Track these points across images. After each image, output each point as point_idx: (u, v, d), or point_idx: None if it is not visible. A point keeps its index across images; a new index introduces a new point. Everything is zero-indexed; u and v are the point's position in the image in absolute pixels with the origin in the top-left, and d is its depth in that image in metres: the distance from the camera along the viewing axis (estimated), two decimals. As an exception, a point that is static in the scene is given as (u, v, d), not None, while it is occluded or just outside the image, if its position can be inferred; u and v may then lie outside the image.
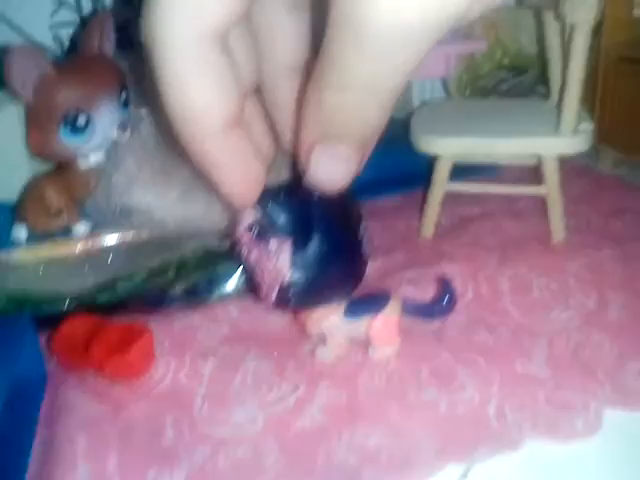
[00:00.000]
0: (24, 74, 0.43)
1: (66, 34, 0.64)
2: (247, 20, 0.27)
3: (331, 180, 0.29)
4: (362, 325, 0.40)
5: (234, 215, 0.35)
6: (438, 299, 0.43)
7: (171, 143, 0.45)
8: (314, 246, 0.33)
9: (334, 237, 0.34)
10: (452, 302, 0.43)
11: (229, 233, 0.42)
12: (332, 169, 0.28)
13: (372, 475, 0.34)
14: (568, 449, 0.35)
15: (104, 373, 0.40)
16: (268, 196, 0.32)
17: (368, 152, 0.28)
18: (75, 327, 0.42)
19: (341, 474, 0.34)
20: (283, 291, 0.34)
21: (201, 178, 0.44)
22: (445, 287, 0.43)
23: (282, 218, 0.32)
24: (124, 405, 0.39)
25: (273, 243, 0.32)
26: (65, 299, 0.44)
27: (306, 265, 0.33)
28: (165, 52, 0.24)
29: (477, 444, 0.35)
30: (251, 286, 0.36)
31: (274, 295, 0.34)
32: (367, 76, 0.23)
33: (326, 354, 0.40)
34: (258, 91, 0.31)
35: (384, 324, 0.40)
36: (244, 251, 0.34)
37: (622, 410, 0.37)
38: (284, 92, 0.32)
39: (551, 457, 0.35)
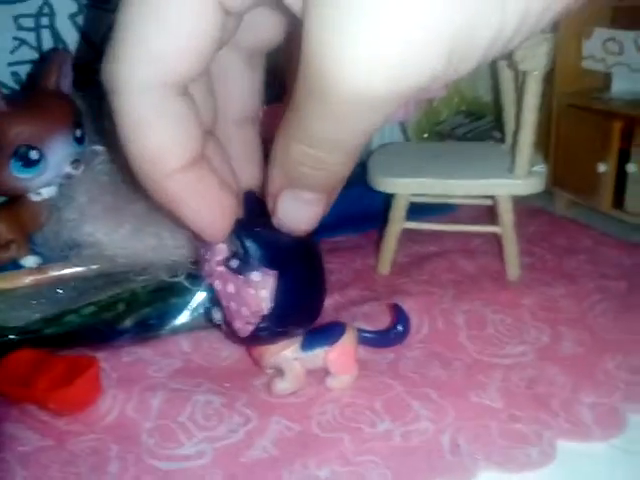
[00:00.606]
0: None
1: (25, 72, 0.64)
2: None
3: (298, 223, 0.31)
4: (319, 356, 0.39)
5: (200, 247, 0.35)
6: (392, 326, 0.43)
7: (128, 181, 0.45)
8: (288, 280, 0.33)
9: (302, 271, 0.35)
10: (407, 327, 0.43)
11: (192, 266, 0.42)
12: (299, 213, 0.30)
13: (322, 507, 0.33)
14: (522, 478, 0.35)
15: (48, 407, 0.39)
16: (241, 229, 0.32)
17: (333, 197, 0.29)
18: (19, 360, 0.41)
19: (290, 506, 0.33)
20: (260, 324, 0.34)
21: (152, 213, 0.44)
22: (398, 313, 0.43)
23: (257, 252, 0.33)
24: (68, 438, 0.37)
25: (256, 276, 0.32)
26: (11, 331, 0.42)
27: (280, 299, 0.33)
28: (125, 97, 0.25)
29: (431, 475, 0.35)
30: (222, 319, 0.36)
31: (250, 328, 0.34)
32: (330, 135, 0.24)
33: (285, 386, 0.40)
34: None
35: (341, 353, 0.40)
36: (217, 284, 0.34)
37: (575, 441, 0.37)
38: (235, 140, 0.33)
39: (504, 487, 0.34)
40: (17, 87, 0.63)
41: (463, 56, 0.21)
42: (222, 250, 0.33)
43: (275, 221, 0.31)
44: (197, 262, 0.38)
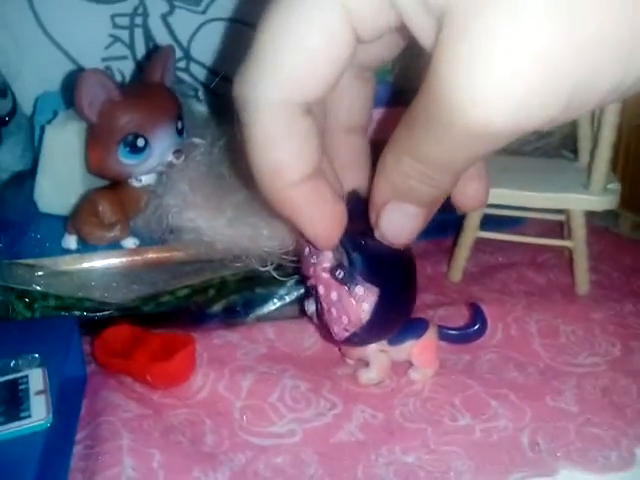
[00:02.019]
0: (92, 95, 0.46)
1: (117, 67, 0.67)
2: None
3: (399, 236, 0.32)
4: (405, 349, 0.41)
5: (307, 249, 0.37)
6: (471, 323, 0.45)
7: (228, 173, 0.47)
8: (388, 296, 0.35)
9: (401, 287, 0.37)
10: (485, 324, 0.45)
11: (283, 257, 0.45)
12: (401, 226, 0.31)
13: (411, 489, 0.34)
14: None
15: (145, 379, 0.41)
16: (348, 240, 0.34)
17: (434, 211, 0.31)
18: (118, 334, 0.43)
19: (381, 486, 0.35)
20: (356, 332, 0.36)
21: (250, 205, 0.47)
22: (476, 311, 0.45)
23: (362, 266, 0.35)
24: (164, 409, 0.40)
25: (359, 290, 0.35)
26: (110, 306, 0.45)
27: (379, 312, 0.36)
28: (257, 113, 0.27)
29: (513, 468, 0.36)
30: (315, 312, 0.38)
31: (346, 334, 0.36)
32: (442, 158, 0.26)
33: (371, 376, 0.42)
34: None
35: (425, 348, 0.42)
36: (321, 288, 0.36)
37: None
38: (343, 147, 0.35)
39: (586, 485, 0.36)
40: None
41: (581, 103, 0.22)
42: (328, 257, 0.36)
43: (377, 233, 0.32)
44: (298, 259, 0.40)
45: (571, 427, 0.39)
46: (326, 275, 0.36)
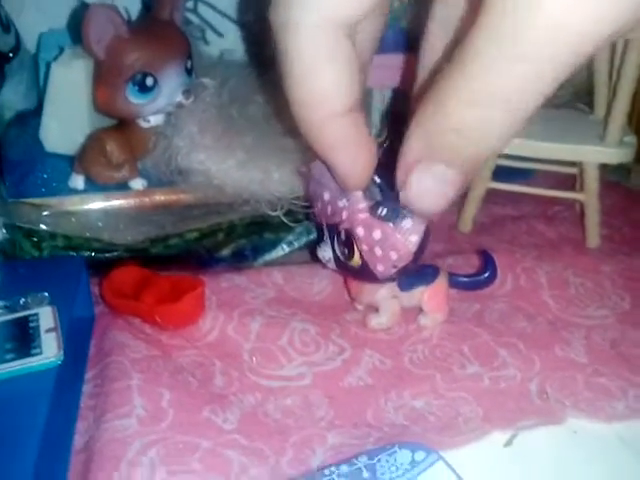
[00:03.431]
0: (100, 31, 0.44)
1: (122, 5, 0.65)
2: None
3: (428, 203, 0.28)
4: (415, 296, 0.41)
5: (328, 194, 0.36)
6: (481, 270, 0.45)
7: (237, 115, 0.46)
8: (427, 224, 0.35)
9: None
10: (495, 272, 0.45)
11: (293, 202, 0.44)
12: (432, 191, 0.27)
13: (420, 433, 0.35)
14: (611, 429, 0.36)
15: (154, 320, 0.41)
16: (379, 177, 0.33)
17: (468, 180, 0.27)
18: (126, 275, 0.43)
19: (390, 429, 0.35)
20: (404, 266, 0.36)
21: (261, 147, 0.46)
22: (486, 258, 0.45)
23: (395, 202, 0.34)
24: (173, 350, 0.40)
25: (407, 223, 0.33)
26: (118, 247, 0.44)
27: (423, 240, 0.35)
28: (295, 37, 0.25)
29: (521, 415, 0.36)
30: (332, 257, 0.38)
31: (393, 270, 0.36)
32: (508, 89, 0.22)
33: (381, 320, 0.42)
34: None
35: (435, 293, 0.42)
36: (360, 231, 0.35)
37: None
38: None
39: (595, 435, 0.36)
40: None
41: None
42: (360, 198, 0.35)
43: (402, 196, 0.28)
44: (310, 206, 0.39)
45: (579, 377, 0.39)
46: (364, 215, 0.35)
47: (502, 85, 0.22)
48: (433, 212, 0.28)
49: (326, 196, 0.36)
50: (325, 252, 0.39)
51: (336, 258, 0.39)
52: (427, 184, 0.26)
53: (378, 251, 0.35)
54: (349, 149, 0.29)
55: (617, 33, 0.20)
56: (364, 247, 0.36)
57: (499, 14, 0.20)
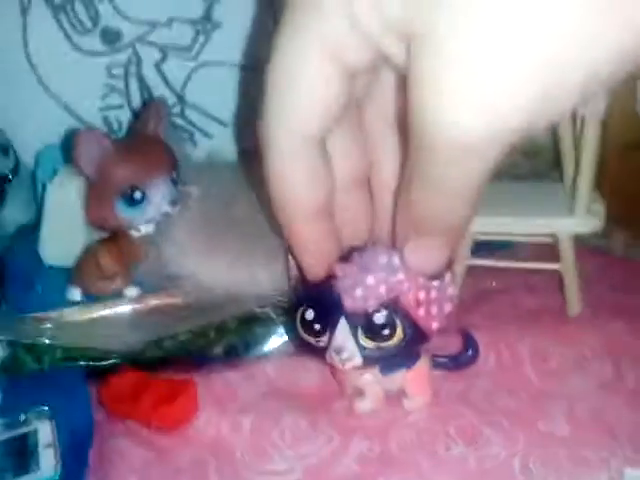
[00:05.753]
0: (89, 153, 0.48)
1: (113, 116, 0.70)
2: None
3: (426, 267, 0.34)
4: (396, 379, 0.43)
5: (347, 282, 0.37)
6: (463, 350, 0.47)
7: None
8: None
9: None
10: (477, 351, 0.46)
11: (279, 298, 0.47)
12: (426, 259, 0.33)
13: (407, 521, 0.36)
14: (592, 502, 0.37)
15: (151, 423, 0.43)
16: None
17: (459, 240, 0.33)
18: (123, 380, 0.45)
19: (378, 519, 0.36)
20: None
21: (245, 249, 0.48)
22: (468, 338, 0.47)
23: None
24: (169, 452, 0.41)
25: (448, 275, 0.38)
26: (114, 355, 0.47)
27: None
28: (271, 151, 0.30)
29: (505, 495, 0.37)
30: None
31: (445, 322, 0.40)
32: (444, 180, 0.27)
33: (365, 405, 0.43)
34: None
35: (417, 376, 0.43)
36: (422, 295, 0.37)
37: (641, 469, 0.39)
38: (352, 200, 0.36)
39: (575, 509, 0.37)
40: (108, 131, 0.69)
41: (557, 95, 0.22)
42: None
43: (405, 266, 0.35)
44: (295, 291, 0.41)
45: (561, 452, 0.40)
46: (422, 280, 0.37)
47: (437, 176, 0.27)
48: (434, 272, 0.35)
49: (370, 280, 0.36)
50: (346, 352, 0.38)
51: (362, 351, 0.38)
52: (419, 254, 0.33)
53: (434, 309, 0.38)
54: (313, 246, 0.34)
55: (521, 136, 0.24)
56: (420, 312, 0.37)
57: (417, 127, 0.25)
